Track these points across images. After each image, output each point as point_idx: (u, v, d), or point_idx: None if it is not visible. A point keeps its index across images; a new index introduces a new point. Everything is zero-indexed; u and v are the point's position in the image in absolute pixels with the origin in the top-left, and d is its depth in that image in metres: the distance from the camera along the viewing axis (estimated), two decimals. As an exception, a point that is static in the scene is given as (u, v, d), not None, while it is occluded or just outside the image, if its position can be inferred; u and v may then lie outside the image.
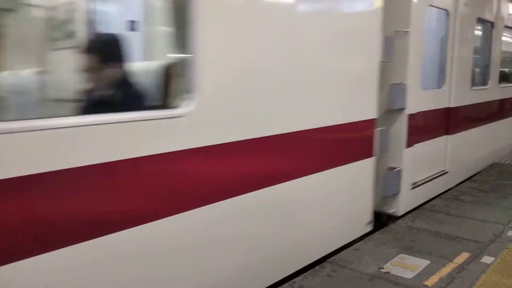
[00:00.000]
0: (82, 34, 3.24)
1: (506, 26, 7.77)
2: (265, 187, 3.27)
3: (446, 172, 6.02)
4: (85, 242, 2.25)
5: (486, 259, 3.94)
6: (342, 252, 4.15)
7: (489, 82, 7.26)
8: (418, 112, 5.17)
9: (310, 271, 3.75)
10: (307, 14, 3.51)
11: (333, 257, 4.03)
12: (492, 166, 7.58)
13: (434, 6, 5.45)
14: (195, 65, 2.66)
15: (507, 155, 8.34)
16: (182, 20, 2.64)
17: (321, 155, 3.83)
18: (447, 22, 5.76)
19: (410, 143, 5.06)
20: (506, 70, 8.86)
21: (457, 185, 6.43)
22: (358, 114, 4.23)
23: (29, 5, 3.25)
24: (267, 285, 3.45)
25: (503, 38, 7.84)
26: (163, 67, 2.86)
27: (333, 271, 3.75)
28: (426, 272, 3.72)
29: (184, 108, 2.67)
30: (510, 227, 4.70)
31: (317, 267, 3.81)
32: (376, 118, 4.43)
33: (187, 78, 2.68)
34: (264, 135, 3.24)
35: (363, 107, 4.29)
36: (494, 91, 7.47)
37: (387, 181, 4.94)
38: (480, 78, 7.13)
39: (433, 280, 3.59)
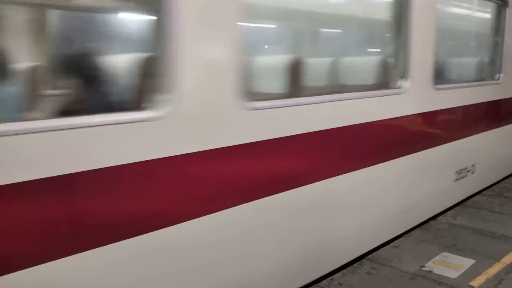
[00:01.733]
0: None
1: None
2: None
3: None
4: None
5: (536, 260, 3.73)
6: (381, 249, 4.02)
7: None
8: None
9: (348, 268, 3.65)
10: None
11: (372, 254, 3.90)
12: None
13: None
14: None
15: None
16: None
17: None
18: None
19: None
20: None
21: (500, 181, 6.15)
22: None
23: None
24: (306, 282, 3.38)
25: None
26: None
27: (372, 268, 3.63)
28: (472, 272, 3.54)
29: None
30: (560, 226, 4.45)
31: (355, 264, 3.71)
32: None
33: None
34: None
35: None
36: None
37: None
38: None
39: (479, 280, 3.41)
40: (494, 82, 5.87)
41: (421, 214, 4.67)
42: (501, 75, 5.91)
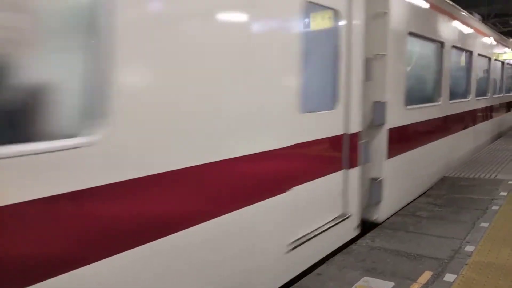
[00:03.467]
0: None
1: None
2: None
3: None
4: None
5: (449, 277, 3.90)
6: (304, 278, 3.97)
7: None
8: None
9: (273, 301, 3.55)
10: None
11: (295, 284, 3.84)
12: (443, 179, 7.76)
13: None
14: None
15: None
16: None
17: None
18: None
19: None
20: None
21: (412, 201, 6.49)
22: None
23: None
24: None
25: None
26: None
27: (297, 300, 3.57)
28: (392, 295, 3.61)
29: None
30: (467, 242, 4.73)
31: (280, 297, 3.62)
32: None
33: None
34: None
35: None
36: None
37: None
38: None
39: (399, 303, 3.48)
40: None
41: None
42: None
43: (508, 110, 16.19)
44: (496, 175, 7.94)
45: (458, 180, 7.76)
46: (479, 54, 10.44)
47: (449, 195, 6.73)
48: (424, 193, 6.89)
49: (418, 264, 4.23)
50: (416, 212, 5.90)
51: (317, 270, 4.14)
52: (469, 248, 4.54)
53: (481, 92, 10.95)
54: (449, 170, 8.28)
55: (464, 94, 9.65)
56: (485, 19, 21.28)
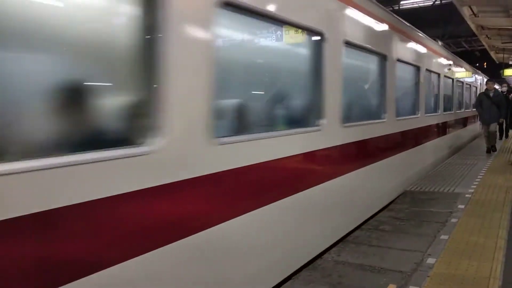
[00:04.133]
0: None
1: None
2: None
3: None
4: None
5: (412, 290, 3.96)
6: (271, 295, 3.93)
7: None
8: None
9: (239, 320, 3.48)
10: None
11: (262, 302, 3.79)
12: (405, 194, 7.95)
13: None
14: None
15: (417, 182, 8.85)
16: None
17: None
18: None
19: None
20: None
21: (375, 214, 6.60)
22: None
23: None
24: None
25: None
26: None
27: (263, 318, 3.51)
28: (357, 310, 3.62)
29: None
30: (429, 254, 4.83)
31: (246, 315, 3.55)
32: None
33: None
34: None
35: None
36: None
37: None
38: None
39: (365, 317, 3.49)
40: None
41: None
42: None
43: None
44: (454, 189, 8.21)
45: (419, 194, 7.98)
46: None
47: (410, 209, 6.89)
48: (386, 207, 7.03)
49: (383, 278, 4.28)
50: (379, 226, 6.00)
51: (283, 286, 4.10)
52: (430, 261, 4.64)
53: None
54: (406, 185, 8.41)
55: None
56: (440, 39, 22.27)
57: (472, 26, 15.33)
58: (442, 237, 5.41)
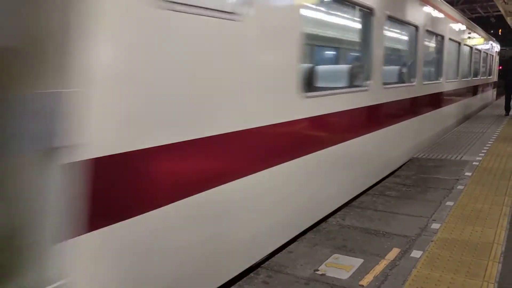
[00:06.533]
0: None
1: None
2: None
3: None
4: None
5: (415, 254, 4.01)
6: (276, 255, 4.01)
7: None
8: None
9: (245, 278, 3.57)
10: None
11: (267, 262, 3.88)
12: (412, 161, 7.95)
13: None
14: None
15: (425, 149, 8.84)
16: None
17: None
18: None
19: None
20: None
21: (381, 180, 6.63)
22: None
23: None
24: None
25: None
26: None
27: (268, 277, 3.60)
28: (361, 271, 3.69)
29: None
30: (433, 220, 4.87)
31: (251, 274, 3.64)
32: None
33: None
34: None
35: None
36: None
37: None
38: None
39: (368, 279, 3.56)
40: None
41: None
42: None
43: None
44: (461, 157, 8.18)
45: (426, 161, 7.97)
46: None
47: (417, 176, 6.90)
48: (393, 173, 7.05)
49: (387, 242, 4.33)
50: (385, 192, 6.03)
51: (288, 248, 4.18)
52: (435, 226, 4.68)
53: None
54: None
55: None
56: (453, 5, 21.67)
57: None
58: (448, 203, 5.44)
